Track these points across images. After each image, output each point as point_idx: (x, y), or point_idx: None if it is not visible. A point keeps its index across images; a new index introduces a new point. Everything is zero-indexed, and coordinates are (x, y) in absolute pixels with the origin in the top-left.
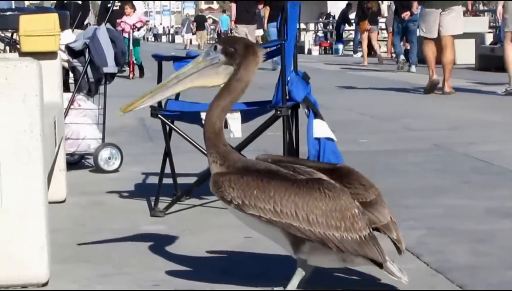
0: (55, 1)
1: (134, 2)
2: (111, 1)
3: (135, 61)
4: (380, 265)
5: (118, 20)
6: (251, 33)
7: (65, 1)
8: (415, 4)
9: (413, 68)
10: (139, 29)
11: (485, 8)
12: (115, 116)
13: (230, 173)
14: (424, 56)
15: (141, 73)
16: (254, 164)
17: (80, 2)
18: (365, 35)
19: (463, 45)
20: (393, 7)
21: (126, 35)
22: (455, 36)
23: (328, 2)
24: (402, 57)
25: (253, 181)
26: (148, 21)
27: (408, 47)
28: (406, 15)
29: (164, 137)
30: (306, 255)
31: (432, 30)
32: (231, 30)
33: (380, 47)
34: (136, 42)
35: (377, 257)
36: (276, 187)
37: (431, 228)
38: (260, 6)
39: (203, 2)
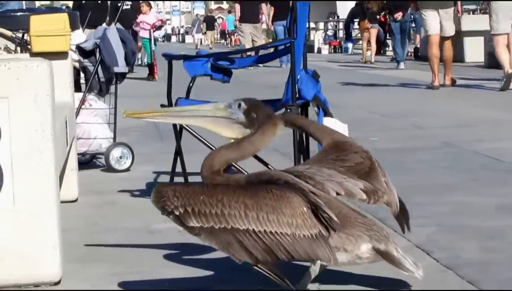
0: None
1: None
2: (121, 1)
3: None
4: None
5: (137, 20)
6: (257, 31)
7: (83, 1)
8: (414, 5)
9: (402, 65)
10: (159, 28)
11: None
12: (123, 112)
13: (176, 184)
14: (428, 58)
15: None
16: (257, 176)
17: (99, 2)
18: (366, 34)
19: (472, 43)
20: None
21: (146, 35)
22: (467, 34)
23: (338, 2)
24: (402, 65)
25: (198, 189)
26: (169, 19)
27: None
28: (398, 15)
29: (175, 137)
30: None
31: (435, 27)
32: (235, 26)
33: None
34: (154, 42)
35: (328, 258)
36: (222, 191)
37: (441, 225)
38: (263, 6)
39: (213, 2)
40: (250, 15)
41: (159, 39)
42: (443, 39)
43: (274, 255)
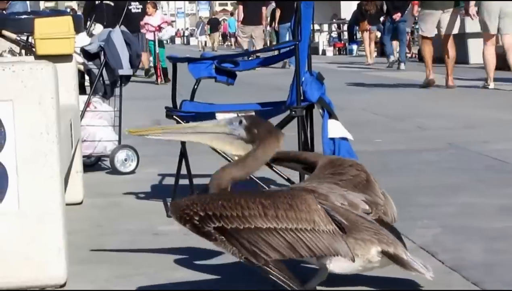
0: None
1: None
2: (128, 1)
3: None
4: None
5: (142, 22)
6: (258, 33)
7: (96, 2)
8: (416, 7)
9: (402, 66)
10: (165, 29)
11: None
12: (124, 132)
13: (192, 197)
14: (422, 56)
15: (166, 79)
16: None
17: (112, 4)
18: (366, 35)
19: (477, 44)
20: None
21: (150, 37)
22: (471, 36)
23: (342, 3)
24: (392, 58)
25: (216, 196)
26: (174, 21)
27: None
28: (397, 16)
29: None
30: (327, 260)
31: (431, 30)
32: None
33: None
34: (161, 44)
35: (347, 252)
36: (240, 196)
37: (446, 227)
38: (263, 9)
39: (217, 4)
40: (252, 17)
41: (167, 41)
42: (445, 38)
43: (297, 252)
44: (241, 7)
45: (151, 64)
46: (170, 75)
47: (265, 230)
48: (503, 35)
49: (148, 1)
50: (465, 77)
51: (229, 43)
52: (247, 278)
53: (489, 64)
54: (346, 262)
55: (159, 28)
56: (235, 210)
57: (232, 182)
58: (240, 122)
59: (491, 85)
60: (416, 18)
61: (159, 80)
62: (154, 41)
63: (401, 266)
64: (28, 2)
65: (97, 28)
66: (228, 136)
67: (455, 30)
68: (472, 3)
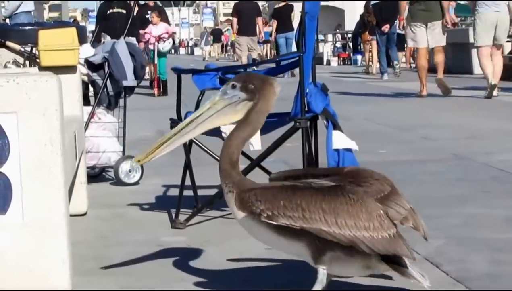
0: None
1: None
2: (145, 10)
3: (159, 76)
4: (403, 267)
5: (142, 31)
6: (254, 44)
7: (108, 12)
8: (401, 22)
9: (385, 76)
10: (164, 41)
11: None
12: (134, 161)
13: (254, 189)
14: (417, 69)
15: (164, 91)
16: (267, 184)
17: (124, 12)
18: (368, 46)
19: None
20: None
21: (151, 47)
22: (473, 46)
23: (346, 13)
24: (386, 75)
25: (278, 192)
26: (175, 32)
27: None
28: (386, 28)
29: (184, 150)
30: (327, 264)
31: (422, 41)
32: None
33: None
34: (162, 55)
35: (407, 253)
36: (301, 195)
37: (451, 238)
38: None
39: (222, 14)
40: (247, 28)
41: (170, 52)
42: (433, 49)
43: (358, 246)
44: (235, 19)
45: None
46: (172, 87)
47: (326, 231)
48: (498, 45)
49: (153, 10)
50: (469, 86)
51: (228, 54)
52: (253, 289)
53: (489, 74)
54: (344, 267)
55: (159, 39)
56: (297, 211)
57: (243, 144)
58: (234, 86)
59: (495, 92)
60: (405, 32)
61: (156, 92)
62: (153, 51)
63: (400, 273)
64: (32, 12)
65: (108, 39)
66: (230, 107)
67: (443, 42)
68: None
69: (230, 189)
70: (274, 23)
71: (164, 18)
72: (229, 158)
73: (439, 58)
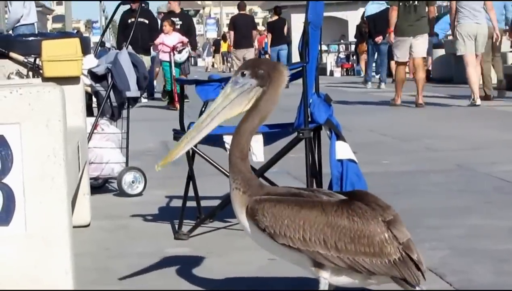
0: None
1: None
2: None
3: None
4: (411, 285)
5: (156, 42)
6: (249, 56)
7: (129, 21)
8: (392, 34)
9: (383, 85)
10: (180, 51)
11: (507, 27)
12: (156, 169)
13: (263, 201)
14: (396, 80)
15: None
16: (275, 190)
17: (147, 22)
18: (364, 56)
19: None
20: None
21: (165, 58)
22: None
23: (350, 24)
24: (369, 84)
25: (284, 210)
26: (188, 41)
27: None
28: (379, 39)
29: (187, 161)
30: (328, 275)
31: (405, 55)
32: (229, 52)
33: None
34: (177, 66)
35: (410, 279)
36: (305, 215)
37: (454, 248)
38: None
39: (225, 24)
40: (243, 41)
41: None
42: (414, 61)
43: (358, 271)
44: (232, 32)
45: (166, 88)
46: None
47: (323, 254)
48: (477, 55)
49: (166, 19)
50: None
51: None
52: None
53: (473, 83)
54: (345, 278)
55: (174, 49)
56: (297, 232)
57: (252, 134)
58: (243, 74)
59: (478, 101)
60: (392, 45)
61: (177, 105)
62: (169, 62)
63: (401, 285)
64: (35, 24)
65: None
66: (242, 95)
67: (424, 54)
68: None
69: (238, 186)
70: (269, 36)
71: (188, 24)
72: (239, 151)
73: (418, 75)
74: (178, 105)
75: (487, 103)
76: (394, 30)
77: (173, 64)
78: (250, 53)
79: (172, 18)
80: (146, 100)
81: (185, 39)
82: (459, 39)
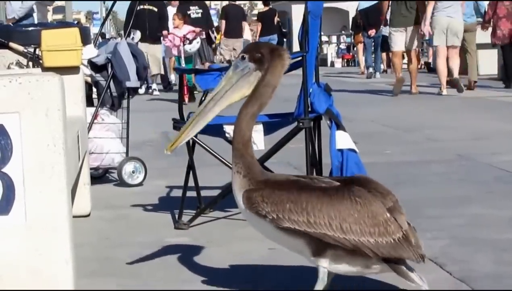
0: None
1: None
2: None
3: (187, 82)
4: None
5: (165, 32)
6: (238, 46)
7: (138, 8)
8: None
9: (377, 75)
10: (191, 41)
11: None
12: (165, 152)
13: (261, 189)
14: (392, 64)
15: (192, 97)
16: (274, 176)
17: (156, 10)
18: (360, 46)
19: (486, 55)
20: None
21: (175, 51)
22: (479, 47)
23: (351, 15)
24: (371, 69)
25: (285, 195)
26: (201, 30)
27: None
28: (372, 32)
29: (188, 151)
30: (327, 263)
31: (400, 45)
32: (219, 43)
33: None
34: (188, 59)
35: (412, 256)
36: (307, 198)
37: (455, 238)
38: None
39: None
40: (234, 31)
41: (203, 50)
42: (407, 52)
43: (362, 251)
44: (223, 21)
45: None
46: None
47: (330, 236)
48: (454, 46)
49: (176, 12)
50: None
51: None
52: (256, 289)
53: (441, 74)
54: (344, 266)
55: (185, 39)
56: (302, 215)
57: (253, 120)
58: (243, 58)
59: (444, 92)
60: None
61: (186, 99)
62: (179, 55)
63: (399, 274)
64: (35, 14)
65: (137, 35)
66: (243, 79)
67: (415, 45)
68: (427, 22)
69: (239, 170)
70: (259, 26)
71: (208, 13)
72: (241, 137)
73: (411, 65)
74: (186, 99)
75: (475, 93)
76: (390, 23)
77: (182, 56)
78: (239, 43)
79: (190, 7)
80: (158, 93)
81: (197, 29)
82: (433, 30)
